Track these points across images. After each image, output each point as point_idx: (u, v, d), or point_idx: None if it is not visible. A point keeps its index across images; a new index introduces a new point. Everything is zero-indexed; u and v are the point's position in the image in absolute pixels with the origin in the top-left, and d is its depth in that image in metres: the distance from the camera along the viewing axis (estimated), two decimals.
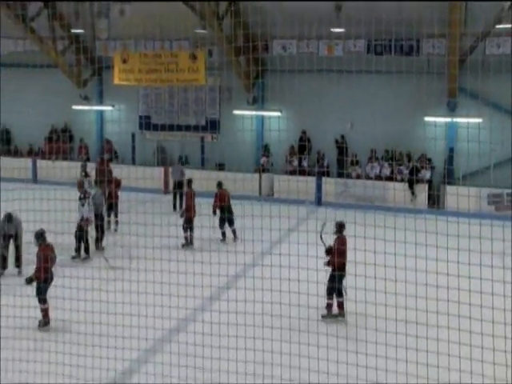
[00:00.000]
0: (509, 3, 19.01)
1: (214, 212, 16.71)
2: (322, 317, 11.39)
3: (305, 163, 23.79)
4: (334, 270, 11.25)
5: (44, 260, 10.92)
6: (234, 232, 16.94)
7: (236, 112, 24.72)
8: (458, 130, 21.87)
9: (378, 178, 22.67)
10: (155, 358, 9.20)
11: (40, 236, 11.31)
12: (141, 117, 26.89)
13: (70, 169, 24.31)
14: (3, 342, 8.75)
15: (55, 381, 7.86)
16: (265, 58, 23.12)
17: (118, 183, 18.58)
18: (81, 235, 15.23)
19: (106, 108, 27.68)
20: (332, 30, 21.59)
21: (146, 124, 26.61)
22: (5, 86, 27.64)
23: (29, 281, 11.05)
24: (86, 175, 19.07)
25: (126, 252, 13.18)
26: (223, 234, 17.19)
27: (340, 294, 11.54)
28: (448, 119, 21.96)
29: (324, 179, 22.89)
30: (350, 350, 7.42)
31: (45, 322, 11.11)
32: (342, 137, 23.50)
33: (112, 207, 18.09)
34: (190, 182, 17.97)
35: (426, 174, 22.25)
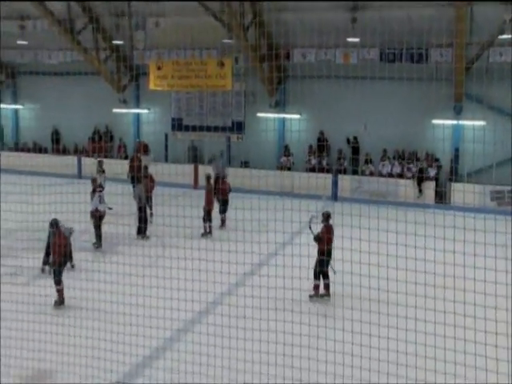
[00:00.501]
0: (510, 16, 18.80)
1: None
2: (310, 297, 11.53)
3: (323, 162, 23.65)
4: (320, 255, 11.36)
5: (58, 246, 11.26)
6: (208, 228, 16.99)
7: (259, 114, 24.66)
8: (463, 132, 21.62)
9: (390, 175, 22.47)
10: (186, 337, 9.26)
11: (54, 225, 11.56)
12: (173, 119, 26.95)
13: (110, 165, 24.53)
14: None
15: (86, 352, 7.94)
16: (286, 65, 23.05)
17: (152, 179, 18.66)
18: (94, 224, 15.47)
19: (142, 111, 27.79)
20: (348, 39, 21.42)
21: (177, 125, 26.67)
22: (55, 92, 28.07)
23: (51, 265, 11.54)
24: (103, 171, 19.14)
25: (160, 241, 13.28)
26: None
27: (326, 277, 11.67)
28: (454, 122, 21.72)
29: (341, 176, 22.70)
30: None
31: (60, 301, 11.35)
32: (355, 138, 23.35)
33: (148, 200, 18.20)
34: (208, 178, 17.86)
35: (431, 171, 21.91)
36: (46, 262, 13.05)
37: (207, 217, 16.87)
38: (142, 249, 11.13)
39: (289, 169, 23.87)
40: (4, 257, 13.53)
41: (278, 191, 16.72)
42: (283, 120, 24.94)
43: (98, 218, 15.51)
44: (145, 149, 26.10)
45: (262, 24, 22.15)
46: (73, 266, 12.66)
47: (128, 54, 26.31)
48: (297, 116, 24.32)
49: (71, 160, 26.49)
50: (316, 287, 11.75)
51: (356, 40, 21.49)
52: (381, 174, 22.69)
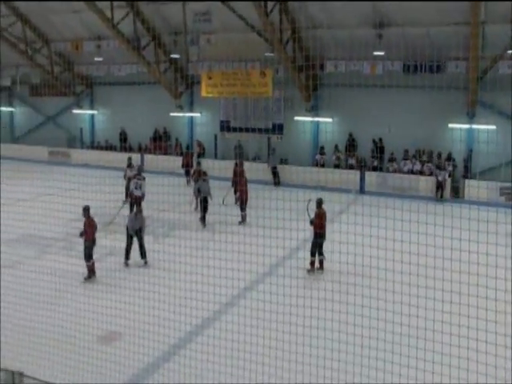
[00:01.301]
0: None
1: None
2: (308, 271, 11.82)
3: (352, 160, 23.33)
4: (315, 237, 11.66)
5: (88, 227, 11.70)
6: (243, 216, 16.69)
7: (296, 118, 24.52)
8: (476, 135, 21.05)
9: (411, 172, 22.02)
10: (233, 310, 9.28)
11: (86, 210, 11.89)
12: (222, 121, 27.02)
13: (168, 161, 24.79)
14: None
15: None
16: (320, 74, 22.81)
17: (203, 173, 18.75)
18: (130, 204, 16.62)
19: (196, 114, 27.92)
20: (374, 52, 21.08)
21: (225, 127, 26.76)
22: (123, 99, 28.55)
23: (80, 235, 11.84)
24: (131, 166, 19.41)
25: (211, 226, 13.35)
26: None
27: (321, 254, 11.90)
28: (468, 126, 21.21)
29: (368, 173, 22.40)
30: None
31: (89, 276, 11.74)
32: (380, 139, 22.97)
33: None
34: (242, 172, 17.60)
35: (445, 174, 21.07)
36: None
37: (243, 206, 16.82)
38: (196, 233, 11.25)
39: (322, 165, 23.67)
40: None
41: (313, 185, 16.56)
42: (317, 123, 24.71)
43: (133, 199, 16.46)
44: (202, 149, 26.36)
45: (299, 39, 22.02)
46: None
47: (184, 66, 26.55)
48: (329, 119, 24.08)
49: (135, 156, 26.88)
50: (312, 263, 12.00)
51: (381, 53, 21.14)
52: (402, 171, 22.31)
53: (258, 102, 25.82)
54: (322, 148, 24.28)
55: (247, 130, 25.81)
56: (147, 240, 12.90)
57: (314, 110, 24.30)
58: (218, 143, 26.88)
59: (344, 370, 6.75)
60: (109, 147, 29.66)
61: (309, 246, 11.99)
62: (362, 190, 21.56)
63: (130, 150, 28.65)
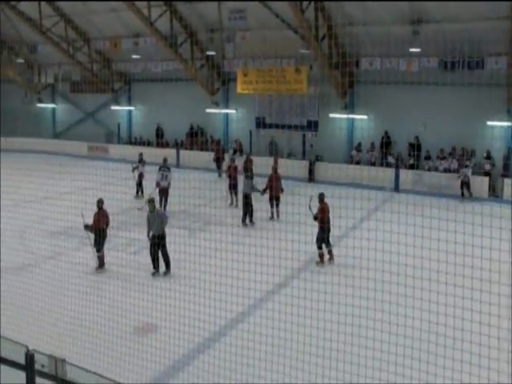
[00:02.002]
0: None
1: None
2: (317, 263, 12.03)
3: (388, 157, 22.99)
4: (320, 231, 11.71)
5: (97, 221, 11.93)
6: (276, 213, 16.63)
7: (331, 115, 24.30)
8: None
9: (447, 171, 21.53)
10: (267, 305, 9.28)
11: (99, 203, 12.15)
12: (257, 118, 27.05)
13: (204, 156, 25.05)
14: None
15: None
16: (355, 71, 22.59)
17: (236, 169, 18.79)
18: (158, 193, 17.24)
19: (231, 111, 28.02)
20: (410, 49, 20.73)
21: (261, 123, 26.77)
22: (159, 95, 28.88)
23: (86, 228, 11.95)
24: (143, 161, 19.84)
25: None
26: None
27: (328, 245, 12.07)
28: (507, 123, 20.58)
29: (404, 171, 22.02)
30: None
31: (99, 266, 11.99)
32: (417, 137, 22.55)
33: (234, 187, 18.40)
34: (276, 169, 17.48)
35: (466, 171, 20.32)
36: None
37: (276, 202, 16.80)
38: (232, 228, 11.29)
39: (358, 162, 23.42)
40: (120, 230, 14.14)
41: (349, 182, 16.47)
42: (352, 120, 24.47)
43: (159, 190, 17.21)
44: (240, 147, 26.51)
45: (335, 36, 21.85)
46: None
47: (219, 63, 26.65)
48: (364, 117, 23.81)
49: (171, 152, 27.26)
50: (320, 256, 12.18)
51: (417, 50, 20.76)
52: (437, 170, 21.87)
53: (293, 99, 25.71)
54: (359, 145, 24.01)
55: (282, 126, 25.74)
56: (181, 234, 13.00)
57: (349, 108, 24.04)
58: (253, 140, 26.88)
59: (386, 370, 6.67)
60: (145, 143, 30.09)
61: (341, 242, 11.93)
62: (396, 188, 21.25)
63: (166, 145, 28.99)
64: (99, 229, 11.99)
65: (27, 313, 8.99)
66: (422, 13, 20.17)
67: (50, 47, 29.31)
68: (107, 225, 12.30)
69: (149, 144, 29.83)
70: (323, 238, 11.96)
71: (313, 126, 25.36)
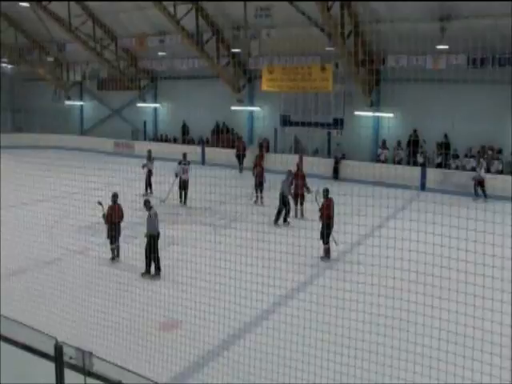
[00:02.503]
0: None
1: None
2: (321, 258, 12.11)
3: (417, 156, 22.61)
4: (323, 227, 12.05)
5: (110, 215, 12.07)
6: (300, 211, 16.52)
7: (357, 113, 24.08)
8: None
9: (474, 169, 21.10)
10: (292, 303, 9.27)
11: (114, 196, 12.36)
12: (281, 115, 26.98)
13: (229, 154, 25.10)
14: None
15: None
16: (381, 69, 22.33)
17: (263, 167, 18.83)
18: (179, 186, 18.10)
19: (256, 109, 27.99)
20: (437, 46, 20.39)
21: (285, 121, 26.71)
22: (184, 93, 29.04)
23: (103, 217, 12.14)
24: (150, 158, 20.02)
25: (268, 218, 13.31)
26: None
27: (327, 243, 12.19)
28: None
29: (431, 170, 21.68)
30: None
31: (112, 257, 12.23)
32: (445, 135, 22.17)
33: (261, 185, 18.39)
34: (300, 166, 17.34)
35: (480, 170, 20.01)
36: None
37: (300, 200, 16.71)
38: (257, 225, 11.24)
39: (383, 161, 23.12)
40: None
41: (374, 181, 16.27)
42: (378, 118, 24.20)
43: (180, 183, 18.05)
44: (267, 146, 26.53)
45: (360, 33, 21.61)
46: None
47: (244, 61, 26.66)
48: (390, 115, 23.48)
49: (196, 149, 27.43)
50: (325, 250, 12.30)
51: (445, 47, 20.40)
52: (464, 168, 21.48)
53: (318, 97, 25.56)
54: (384, 142, 23.74)
55: (307, 124, 25.63)
56: (206, 231, 13.05)
57: (374, 105, 23.76)
58: (278, 137, 26.82)
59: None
60: (171, 140, 30.31)
61: (367, 241, 11.81)
62: (423, 187, 20.95)
63: (191, 142, 29.15)
64: (113, 222, 12.20)
65: (56, 306, 9.15)
66: (451, 9, 19.82)
67: (78, 46, 29.75)
68: (121, 219, 12.53)
69: (174, 141, 30.03)
70: (328, 233, 12.12)
71: (338, 123, 25.18)
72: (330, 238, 12.27)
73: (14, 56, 33.39)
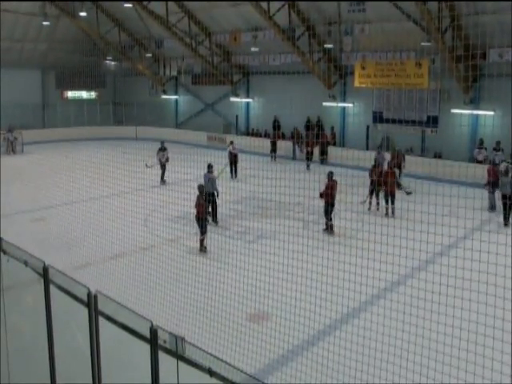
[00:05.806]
0: None
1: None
2: (323, 230, 13.81)
3: None
4: (326, 205, 13.80)
5: (200, 206, 12.69)
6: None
7: (453, 111, 22.99)
8: None
9: None
10: (379, 303, 9.11)
11: (200, 189, 12.99)
12: (374, 112, 26.39)
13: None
14: None
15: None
16: (482, 64, 21.21)
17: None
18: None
19: (348, 105, 27.52)
20: None
21: (378, 118, 26.15)
22: (277, 88, 29.25)
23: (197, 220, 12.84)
24: (163, 149, 20.86)
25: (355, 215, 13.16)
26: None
27: (330, 220, 13.90)
28: None
29: None
30: None
31: (200, 249, 12.58)
32: None
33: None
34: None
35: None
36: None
37: (391, 199, 16.25)
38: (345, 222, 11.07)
39: (481, 162, 21.84)
40: (237, 218, 14.64)
41: (470, 181, 15.55)
42: (476, 116, 22.97)
43: (232, 157, 20.87)
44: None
45: (460, 27, 20.60)
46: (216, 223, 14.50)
47: (337, 56, 26.41)
48: (491, 113, 22.19)
49: (286, 144, 27.56)
50: (328, 225, 13.95)
51: None
52: None
53: (412, 93, 24.74)
54: (482, 142, 22.35)
55: (400, 121, 24.93)
56: (296, 225, 13.10)
57: (473, 103, 22.62)
58: (370, 134, 26.23)
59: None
60: (262, 134, 30.67)
61: (464, 244, 11.34)
62: None
63: (283, 137, 29.32)
64: (201, 212, 12.67)
65: (151, 290, 9.66)
66: None
67: (175, 42, 30.94)
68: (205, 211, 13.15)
69: (266, 135, 30.29)
70: (327, 210, 13.78)
71: (432, 121, 24.22)
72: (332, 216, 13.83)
73: (117, 53, 35.39)
